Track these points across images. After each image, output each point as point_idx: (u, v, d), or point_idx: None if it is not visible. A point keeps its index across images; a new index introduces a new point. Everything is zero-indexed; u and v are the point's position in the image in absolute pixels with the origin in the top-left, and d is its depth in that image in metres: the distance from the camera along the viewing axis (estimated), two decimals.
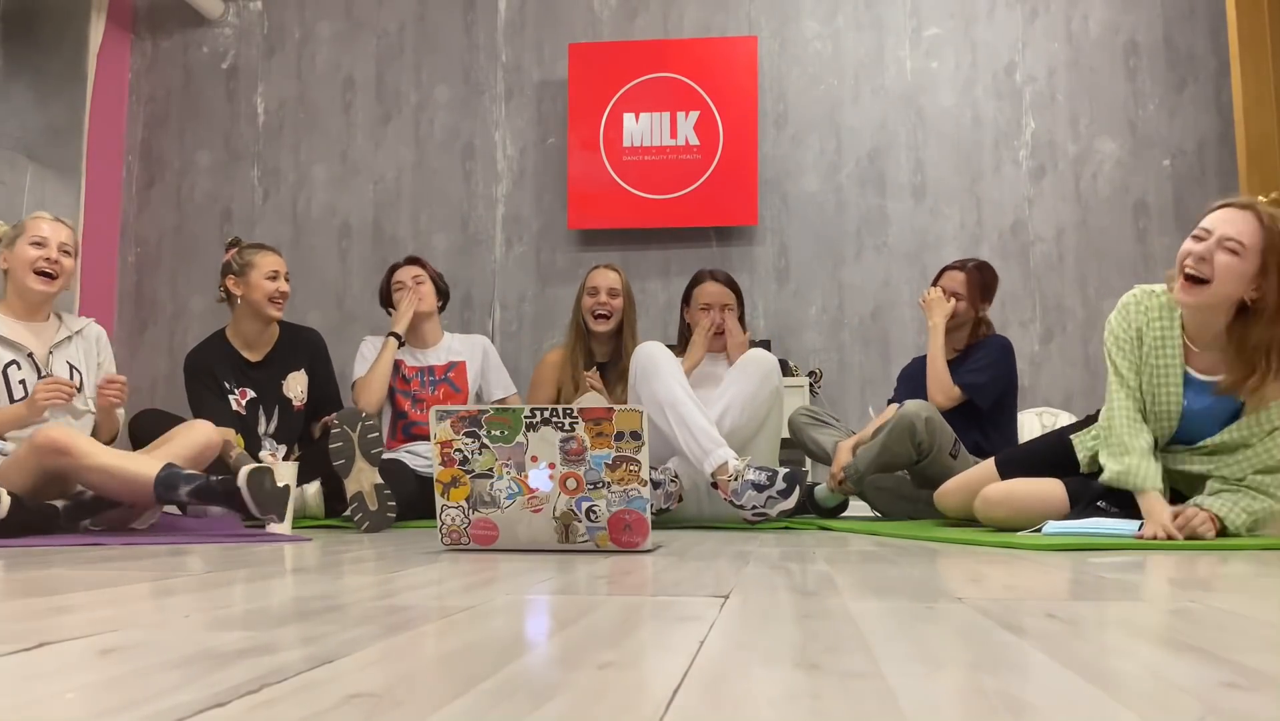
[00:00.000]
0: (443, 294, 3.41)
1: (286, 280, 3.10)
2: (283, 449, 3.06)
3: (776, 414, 2.84)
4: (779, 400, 2.83)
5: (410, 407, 3.29)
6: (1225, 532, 2.02)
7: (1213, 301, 1.94)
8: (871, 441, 2.88)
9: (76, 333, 2.67)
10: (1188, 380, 2.06)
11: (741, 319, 3.12)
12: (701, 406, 2.69)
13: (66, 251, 2.61)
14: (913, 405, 2.81)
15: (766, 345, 3.69)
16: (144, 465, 2.33)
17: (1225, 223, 1.93)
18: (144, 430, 2.76)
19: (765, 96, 4.21)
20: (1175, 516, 1.99)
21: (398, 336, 3.23)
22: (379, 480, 2.52)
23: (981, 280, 3.07)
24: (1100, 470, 2.20)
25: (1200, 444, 2.10)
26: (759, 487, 2.47)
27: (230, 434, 2.92)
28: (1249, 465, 2.04)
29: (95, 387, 2.63)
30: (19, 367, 2.52)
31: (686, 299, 3.13)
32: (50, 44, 4.10)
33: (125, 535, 2.24)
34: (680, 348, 3.10)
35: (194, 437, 2.54)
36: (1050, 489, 2.29)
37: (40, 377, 2.53)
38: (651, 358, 2.72)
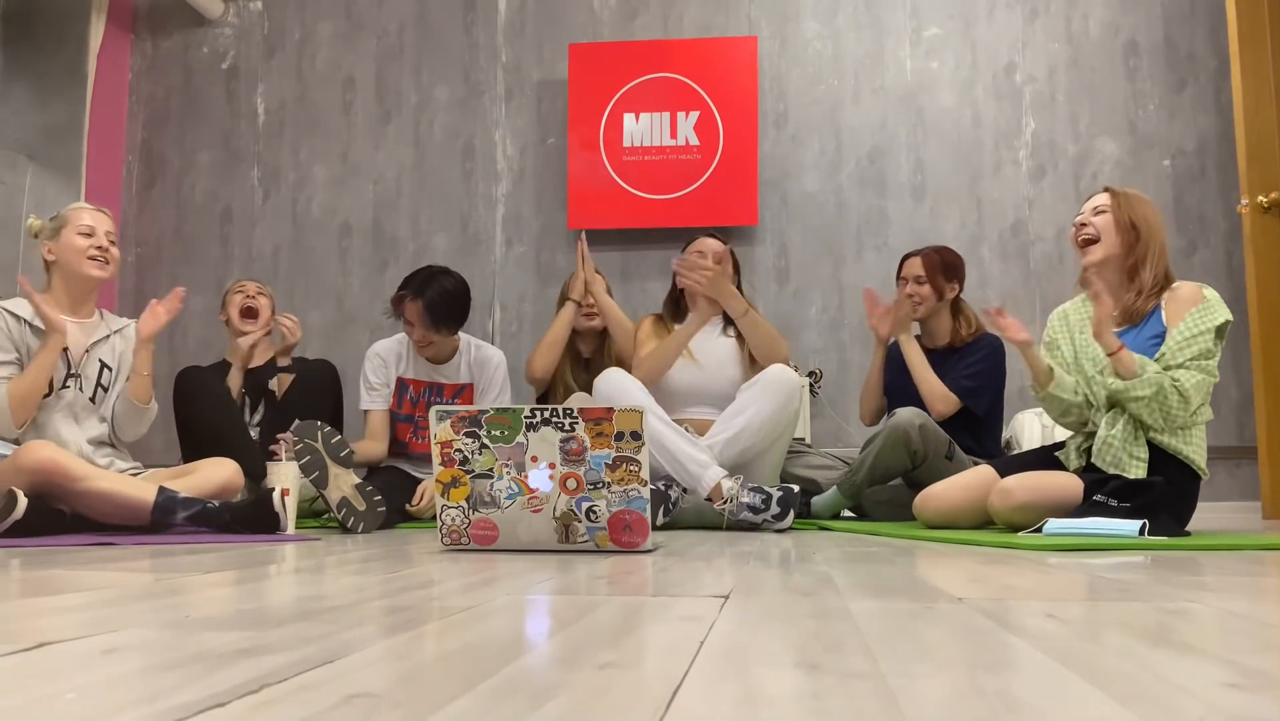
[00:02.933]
0: (445, 320, 3.02)
1: (257, 296, 3.27)
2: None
3: (789, 432, 2.80)
4: (795, 420, 2.79)
5: (411, 436, 3.10)
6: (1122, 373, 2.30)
7: (1107, 255, 2.43)
8: (865, 452, 2.86)
9: (116, 331, 2.67)
10: None
11: (738, 287, 3.02)
12: (678, 429, 2.69)
13: (113, 240, 2.63)
14: (905, 414, 2.77)
15: None
16: (140, 489, 2.30)
17: (1090, 201, 2.50)
18: (188, 387, 2.84)
19: (765, 96, 4.21)
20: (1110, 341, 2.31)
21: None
22: (357, 480, 2.51)
23: (941, 261, 3.03)
24: (1091, 468, 2.38)
25: None
26: (754, 510, 2.51)
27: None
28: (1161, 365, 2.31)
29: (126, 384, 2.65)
30: None
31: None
32: (50, 44, 4.10)
33: (126, 535, 2.23)
34: (667, 322, 3.08)
35: (217, 475, 2.53)
36: (1068, 480, 2.32)
37: (69, 374, 2.53)
38: (618, 386, 2.66)
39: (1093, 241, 2.42)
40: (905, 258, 3.11)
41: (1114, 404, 2.38)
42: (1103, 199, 2.45)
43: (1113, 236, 2.39)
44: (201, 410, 2.82)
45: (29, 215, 2.71)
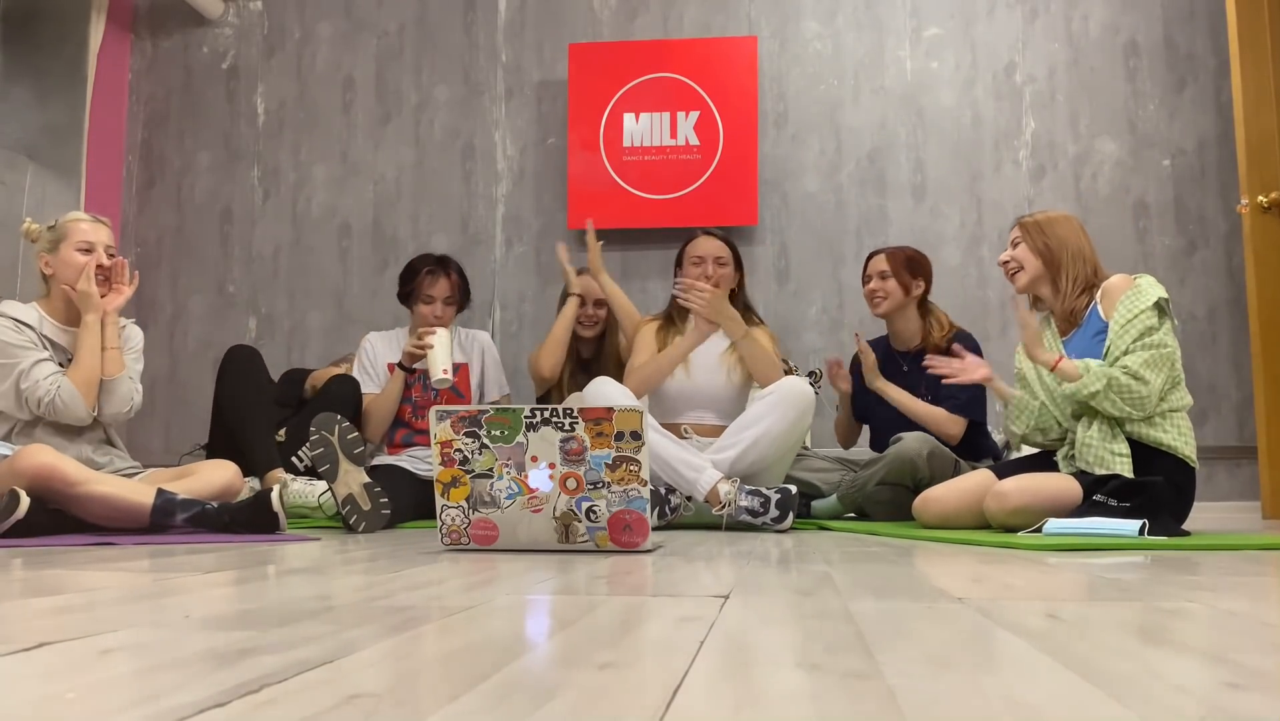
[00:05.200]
0: (465, 299, 3.27)
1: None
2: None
3: (800, 443, 2.79)
4: (806, 432, 2.77)
5: (410, 416, 3.19)
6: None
7: (1031, 278, 2.59)
8: (868, 472, 2.83)
9: None
10: (1065, 346, 2.54)
11: (741, 285, 3.04)
12: (671, 435, 2.68)
13: (111, 253, 2.59)
14: (912, 442, 2.73)
15: None
16: (138, 492, 2.30)
17: (1010, 237, 2.66)
18: (229, 366, 2.93)
19: (765, 96, 4.21)
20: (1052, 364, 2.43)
21: (404, 368, 3.13)
22: (367, 479, 2.51)
23: (905, 257, 3.02)
24: (1084, 472, 2.37)
25: None
26: (753, 513, 2.49)
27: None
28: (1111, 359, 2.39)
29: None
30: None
31: (679, 262, 3.04)
32: (50, 44, 4.10)
33: (126, 535, 2.23)
34: (677, 323, 3.03)
35: (216, 478, 2.52)
36: (1063, 482, 2.32)
37: None
38: (607, 399, 2.65)
39: (1018, 271, 2.60)
40: (870, 256, 3.10)
41: (1082, 411, 2.41)
42: (1015, 233, 2.64)
43: (1032, 261, 2.58)
44: (236, 389, 2.90)
45: (27, 216, 2.67)
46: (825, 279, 4.12)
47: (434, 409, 1.82)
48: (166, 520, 2.28)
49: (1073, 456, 2.44)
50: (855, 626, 0.86)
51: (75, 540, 2.10)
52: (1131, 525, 2.03)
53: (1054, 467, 2.49)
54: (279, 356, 4.12)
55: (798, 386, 2.71)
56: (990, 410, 3.10)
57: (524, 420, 1.78)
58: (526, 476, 1.79)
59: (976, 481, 2.49)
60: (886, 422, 3.01)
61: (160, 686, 0.60)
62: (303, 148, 4.40)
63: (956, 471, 2.75)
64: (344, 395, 3.15)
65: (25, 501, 2.12)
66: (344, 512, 2.45)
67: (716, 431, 2.84)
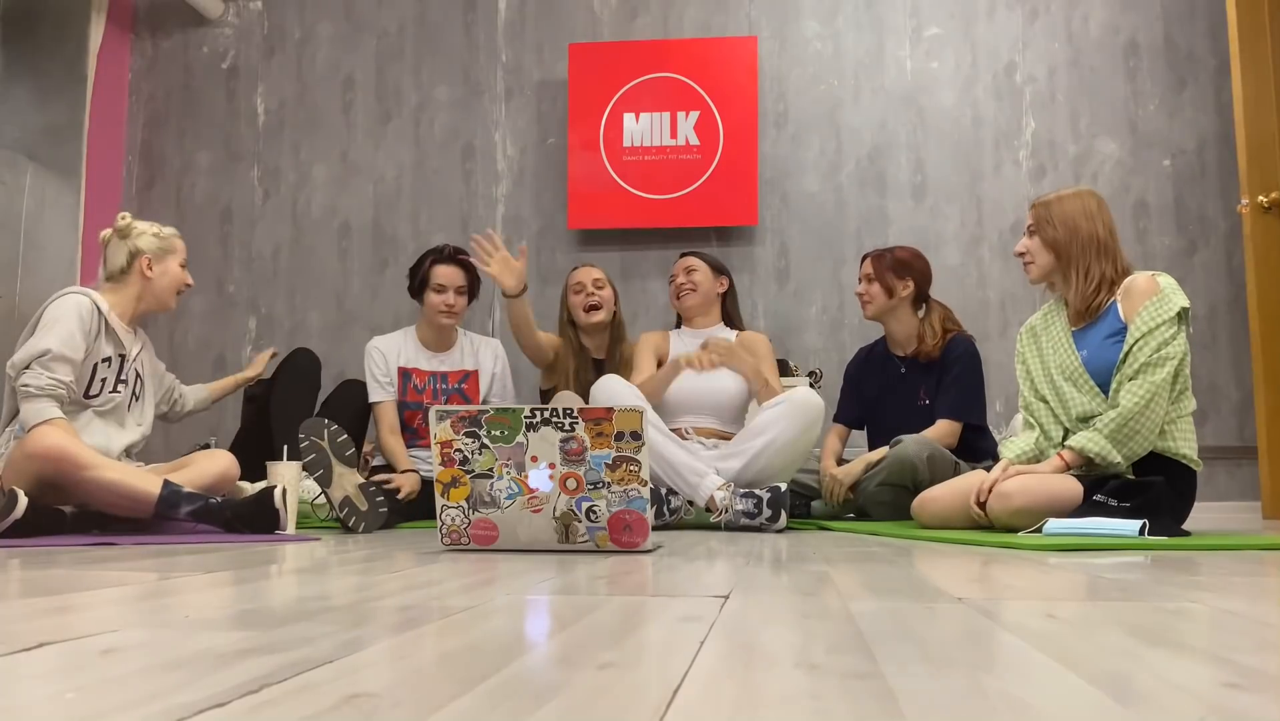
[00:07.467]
0: (475, 293, 3.30)
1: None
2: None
3: (807, 452, 2.82)
4: (814, 441, 2.79)
5: (420, 424, 3.16)
6: (1093, 465, 2.32)
7: (1043, 272, 2.51)
8: (869, 473, 2.83)
9: (143, 347, 2.75)
10: (1075, 338, 2.47)
11: (729, 294, 3.24)
12: (675, 438, 2.69)
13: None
14: (912, 445, 2.73)
15: None
16: (146, 481, 2.32)
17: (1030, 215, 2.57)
18: (286, 365, 3.13)
19: (765, 96, 4.21)
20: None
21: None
22: (360, 479, 2.52)
23: (893, 259, 3.02)
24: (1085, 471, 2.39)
25: (1114, 387, 2.36)
26: (750, 515, 2.51)
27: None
28: (1125, 374, 2.31)
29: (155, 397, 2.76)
30: (108, 365, 2.55)
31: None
32: (50, 44, 4.10)
33: (126, 535, 2.23)
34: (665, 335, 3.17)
35: (211, 467, 2.57)
36: (1065, 482, 2.31)
37: (118, 381, 2.59)
38: (615, 396, 2.68)
39: (1030, 264, 2.52)
40: (863, 258, 3.12)
41: (1087, 417, 2.38)
42: (1030, 219, 2.52)
43: (1044, 254, 2.48)
44: (291, 387, 3.04)
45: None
46: (825, 279, 4.12)
47: (434, 409, 1.83)
48: (171, 511, 2.30)
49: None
50: (855, 626, 0.86)
51: (75, 540, 2.10)
52: (1132, 525, 2.03)
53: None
54: None
55: (808, 397, 2.73)
56: (990, 410, 3.11)
57: (524, 420, 1.78)
58: (526, 476, 1.79)
59: (973, 482, 2.49)
60: (887, 426, 3.01)
61: (160, 686, 0.60)
62: (303, 148, 4.40)
63: (957, 473, 2.75)
64: (348, 396, 3.17)
65: (23, 501, 2.13)
66: (342, 515, 2.46)
67: (716, 434, 2.86)
